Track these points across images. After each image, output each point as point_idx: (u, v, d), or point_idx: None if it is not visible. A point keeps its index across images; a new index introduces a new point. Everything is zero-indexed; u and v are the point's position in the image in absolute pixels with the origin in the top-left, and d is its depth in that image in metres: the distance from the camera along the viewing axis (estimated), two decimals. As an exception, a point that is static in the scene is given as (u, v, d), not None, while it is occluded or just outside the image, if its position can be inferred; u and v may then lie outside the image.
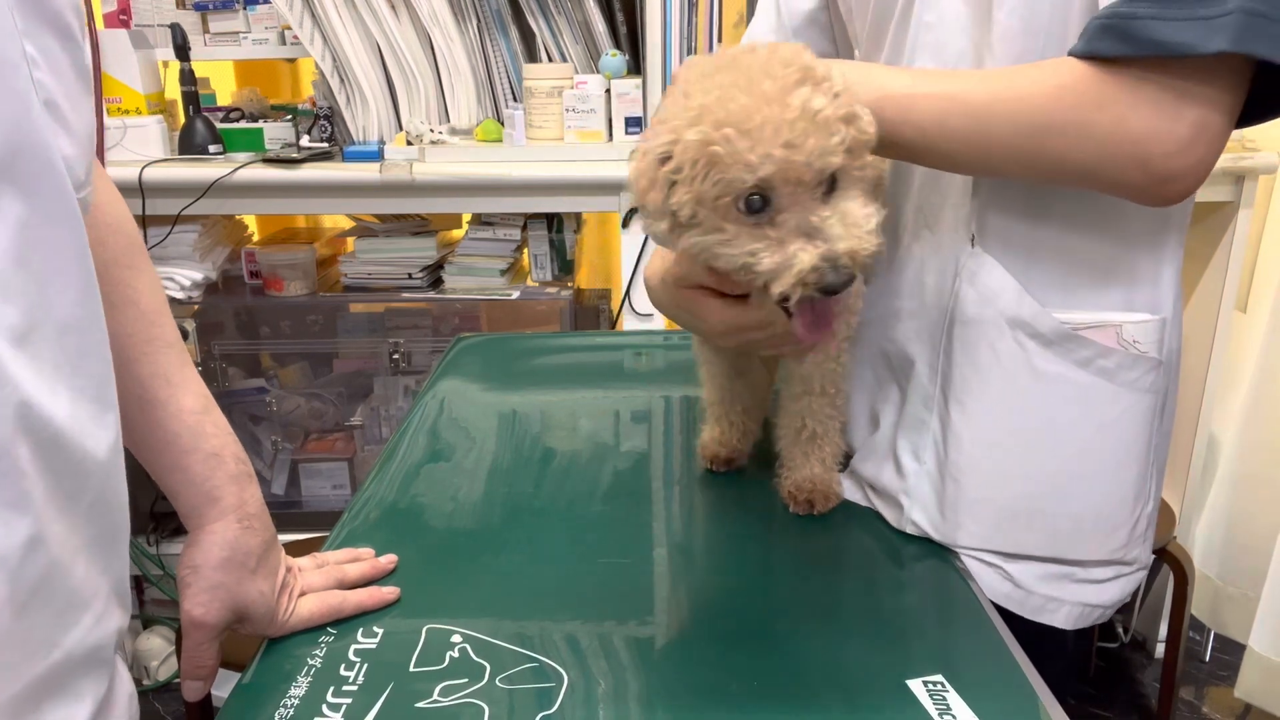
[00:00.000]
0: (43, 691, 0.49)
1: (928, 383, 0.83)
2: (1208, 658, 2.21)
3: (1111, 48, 0.63)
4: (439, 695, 0.66)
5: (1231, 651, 2.17)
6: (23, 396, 0.45)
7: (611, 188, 1.93)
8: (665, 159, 0.64)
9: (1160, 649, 2.12)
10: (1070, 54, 0.67)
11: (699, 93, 0.64)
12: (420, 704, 0.65)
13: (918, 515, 0.84)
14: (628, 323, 2.00)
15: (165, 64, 2.12)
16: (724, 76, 0.63)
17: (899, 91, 0.69)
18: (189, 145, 2.01)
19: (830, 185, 0.64)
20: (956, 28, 0.75)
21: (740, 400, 0.94)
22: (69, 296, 0.49)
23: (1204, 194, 1.41)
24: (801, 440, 0.87)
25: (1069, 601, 0.82)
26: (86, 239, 0.51)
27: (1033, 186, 0.76)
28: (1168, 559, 1.80)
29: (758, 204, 0.63)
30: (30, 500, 0.46)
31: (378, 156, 1.95)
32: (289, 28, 2.03)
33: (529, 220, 2.13)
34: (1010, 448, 0.80)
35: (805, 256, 0.62)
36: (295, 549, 0.76)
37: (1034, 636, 0.78)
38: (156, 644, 2.16)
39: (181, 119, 2.05)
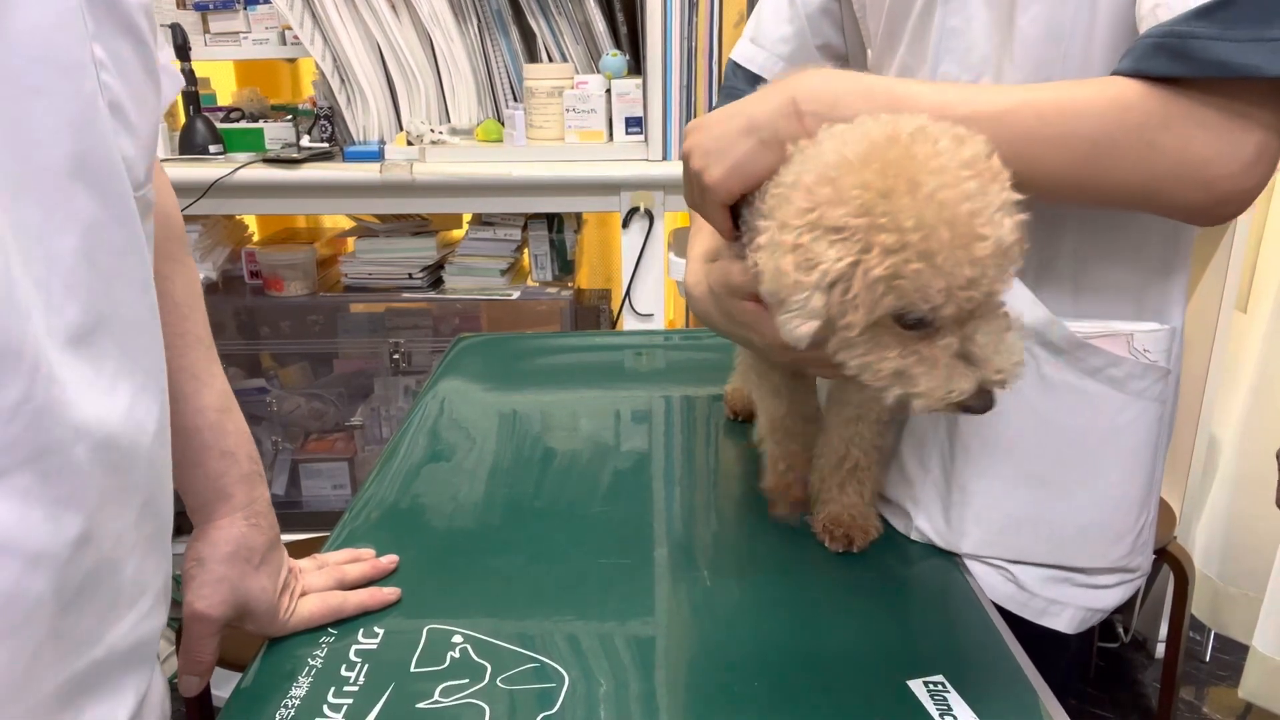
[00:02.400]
0: (84, 687, 0.50)
1: None
2: (1208, 658, 2.21)
3: (1167, 67, 0.61)
4: (440, 696, 0.66)
5: (1232, 651, 2.17)
6: (81, 395, 0.46)
7: (612, 188, 1.93)
8: (830, 277, 0.60)
9: (1161, 649, 2.12)
10: (1117, 72, 0.64)
11: (881, 197, 0.58)
12: (421, 704, 0.65)
13: (923, 523, 0.84)
14: (628, 323, 2.00)
15: (165, 64, 2.12)
16: (918, 189, 0.57)
17: (933, 113, 0.64)
18: (189, 145, 2.01)
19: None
20: (981, 33, 0.73)
21: (797, 437, 0.88)
22: (131, 293, 0.51)
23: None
24: (841, 470, 0.83)
25: (1071, 605, 0.82)
26: (143, 236, 0.52)
27: (1044, 216, 0.75)
28: (1168, 559, 1.80)
29: (918, 322, 0.60)
30: (83, 498, 0.47)
31: (378, 156, 1.95)
32: (289, 28, 2.03)
33: (529, 220, 2.13)
34: (1017, 456, 0.79)
35: (964, 384, 0.60)
36: (296, 549, 0.76)
37: (1036, 638, 0.78)
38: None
39: (182, 119, 2.05)
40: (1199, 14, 0.60)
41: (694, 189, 0.74)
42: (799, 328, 0.61)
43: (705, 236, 0.83)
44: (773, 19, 0.93)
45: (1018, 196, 0.59)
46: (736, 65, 0.95)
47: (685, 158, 0.73)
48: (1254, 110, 0.61)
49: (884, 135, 0.60)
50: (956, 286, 0.57)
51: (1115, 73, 0.64)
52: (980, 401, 0.61)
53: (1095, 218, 0.75)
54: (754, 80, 0.92)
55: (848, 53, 0.92)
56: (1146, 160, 0.63)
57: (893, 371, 0.61)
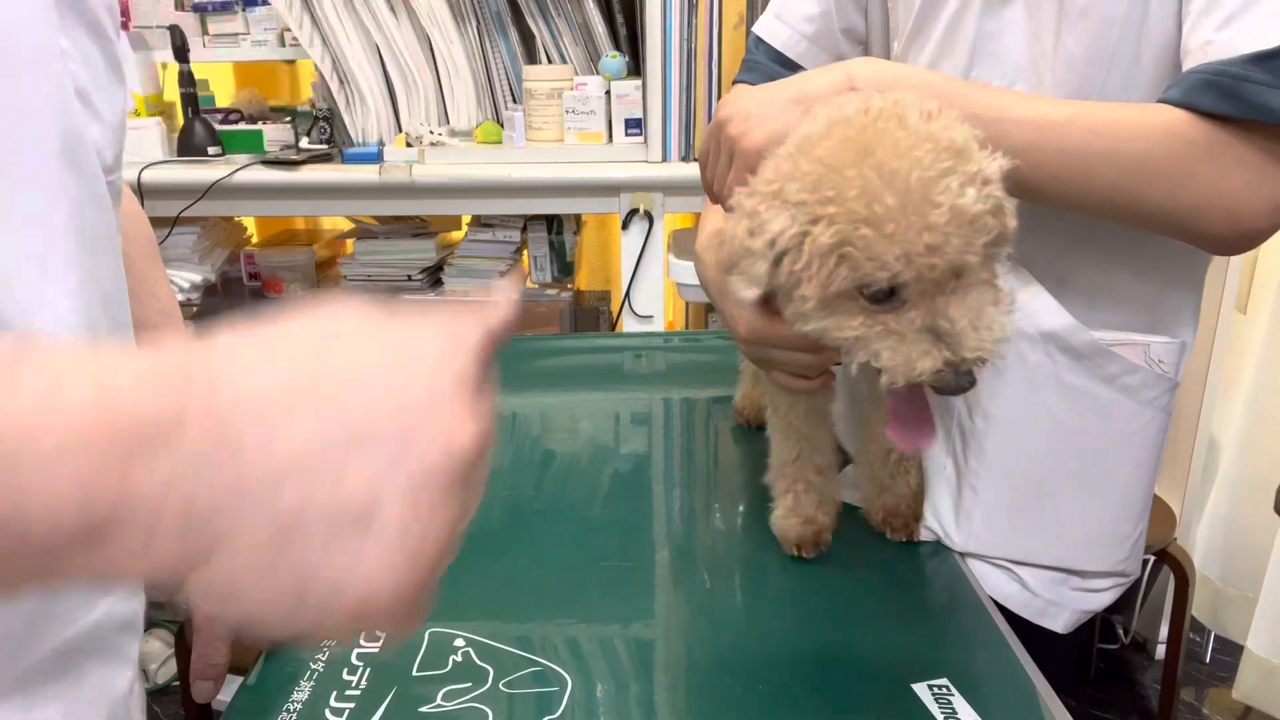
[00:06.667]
0: (83, 651, 0.52)
1: None
2: (1208, 659, 2.20)
3: (1215, 104, 0.63)
4: (442, 700, 0.66)
5: (1232, 653, 2.17)
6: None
7: (611, 189, 1.93)
8: (778, 247, 0.60)
9: (1161, 650, 2.12)
10: (1164, 100, 0.66)
11: (830, 171, 0.58)
12: (424, 709, 0.65)
13: (931, 521, 0.84)
14: (627, 324, 2.00)
15: (164, 66, 2.12)
16: (866, 160, 0.57)
17: (988, 114, 0.65)
18: (188, 147, 2.01)
19: (959, 272, 0.59)
20: (1017, 40, 0.74)
21: (819, 453, 0.82)
22: (108, 271, 0.53)
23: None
24: (890, 462, 0.83)
25: (1069, 607, 0.83)
26: (114, 220, 0.54)
27: (1061, 230, 0.75)
28: (1169, 560, 1.80)
29: (884, 295, 0.58)
30: None
31: (377, 158, 1.95)
32: (288, 29, 2.03)
33: (528, 222, 2.13)
34: (1031, 459, 0.80)
35: (928, 362, 0.58)
36: (296, 552, 0.76)
37: (1030, 634, 0.78)
38: (155, 647, 2.15)
39: (180, 121, 2.04)
40: (1253, 60, 0.62)
41: (721, 156, 0.73)
42: (743, 291, 0.63)
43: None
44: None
45: (991, 170, 0.58)
46: (759, 39, 0.94)
47: (721, 123, 0.73)
48: None
49: (854, 109, 0.61)
50: (914, 254, 0.56)
51: (1162, 101, 0.66)
52: (956, 381, 0.58)
53: (1114, 233, 0.76)
54: (775, 56, 0.91)
55: (868, 40, 0.91)
56: (1184, 188, 0.65)
57: (855, 338, 0.60)
